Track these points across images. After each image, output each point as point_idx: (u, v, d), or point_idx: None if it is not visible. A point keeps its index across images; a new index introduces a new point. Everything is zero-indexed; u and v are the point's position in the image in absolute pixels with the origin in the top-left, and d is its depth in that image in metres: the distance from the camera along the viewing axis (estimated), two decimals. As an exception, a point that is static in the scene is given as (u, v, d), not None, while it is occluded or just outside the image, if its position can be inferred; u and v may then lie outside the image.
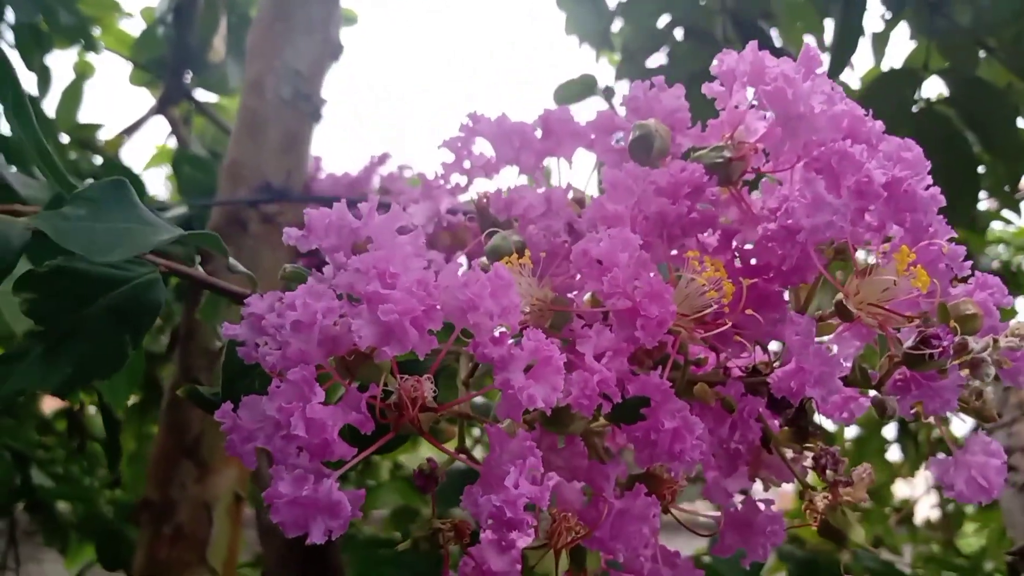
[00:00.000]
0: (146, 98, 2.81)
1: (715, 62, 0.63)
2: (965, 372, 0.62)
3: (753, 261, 0.60)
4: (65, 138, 2.79)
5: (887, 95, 2.19)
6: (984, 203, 2.91)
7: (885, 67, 2.52)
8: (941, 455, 0.68)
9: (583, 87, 2.46)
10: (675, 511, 0.64)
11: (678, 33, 2.37)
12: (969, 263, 0.61)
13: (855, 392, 0.74)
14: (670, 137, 0.63)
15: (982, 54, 2.26)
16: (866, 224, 0.61)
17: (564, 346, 0.56)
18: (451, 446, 0.59)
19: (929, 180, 0.59)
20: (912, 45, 2.38)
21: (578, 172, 0.76)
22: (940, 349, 0.54)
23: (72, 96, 2.88)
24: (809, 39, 2.53)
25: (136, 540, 2.11)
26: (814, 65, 0.59)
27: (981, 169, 2.57)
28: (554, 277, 0.61)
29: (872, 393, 0.68)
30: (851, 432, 4.24)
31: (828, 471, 0.66)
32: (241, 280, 0.76)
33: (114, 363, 0.68)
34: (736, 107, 0.63)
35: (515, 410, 0.49)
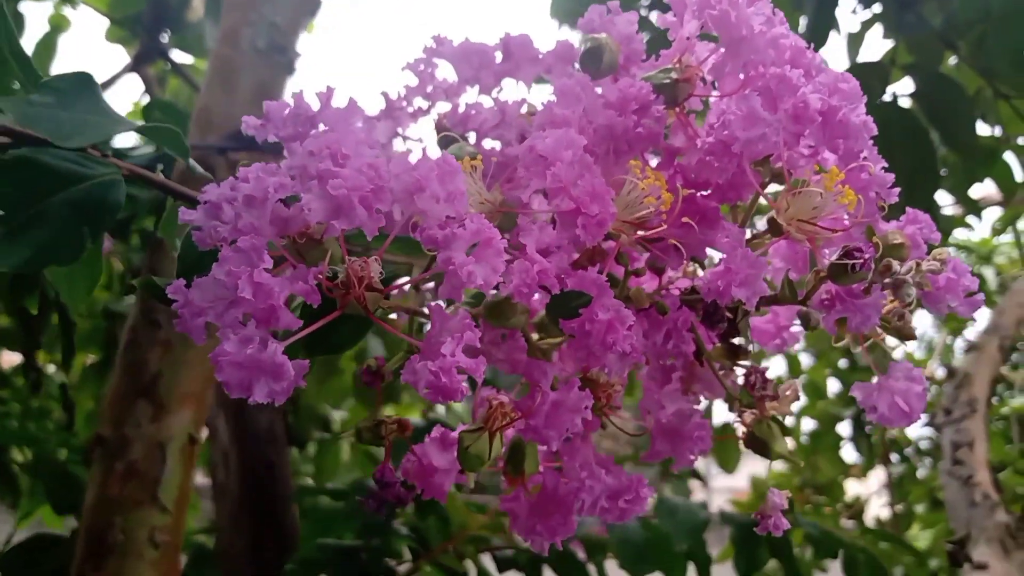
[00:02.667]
0: (122, 56, 2.79)
1: (668, -9, 0.66)
2: (890, 296, 0.65)
3: (693, 176, 0.63)
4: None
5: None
6: (949, 209, 3.00)
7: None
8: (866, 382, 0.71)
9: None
10: (612, 419, 0.67)
11: (654, 17, 2.40)
12: (897, 190, 0.65)
13: (788, 320, 0.78)
14: (619, 52, 0.66)
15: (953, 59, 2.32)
16: (801, 150, 0.64)
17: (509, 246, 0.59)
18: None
19: (863, 111, 0.63)
20: (887, 45, 2.43)
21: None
22: (861, 261, 0.58)
23: (46, 49, 2.84)
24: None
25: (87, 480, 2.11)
26: (759, -6, 0.63)
27: (944, 171, 2.64)
28: (505, 185, 0.64)
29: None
30: (808, 426, 4.34)
31: (757, 388, 0.70)
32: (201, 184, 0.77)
33: (72, 252, 0.69)
34: (687, 38, 0.66)
35: (456, 289, 0.52)
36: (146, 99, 2.73)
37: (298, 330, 0.53)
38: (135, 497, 1.62)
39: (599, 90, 0.63)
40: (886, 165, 0.64)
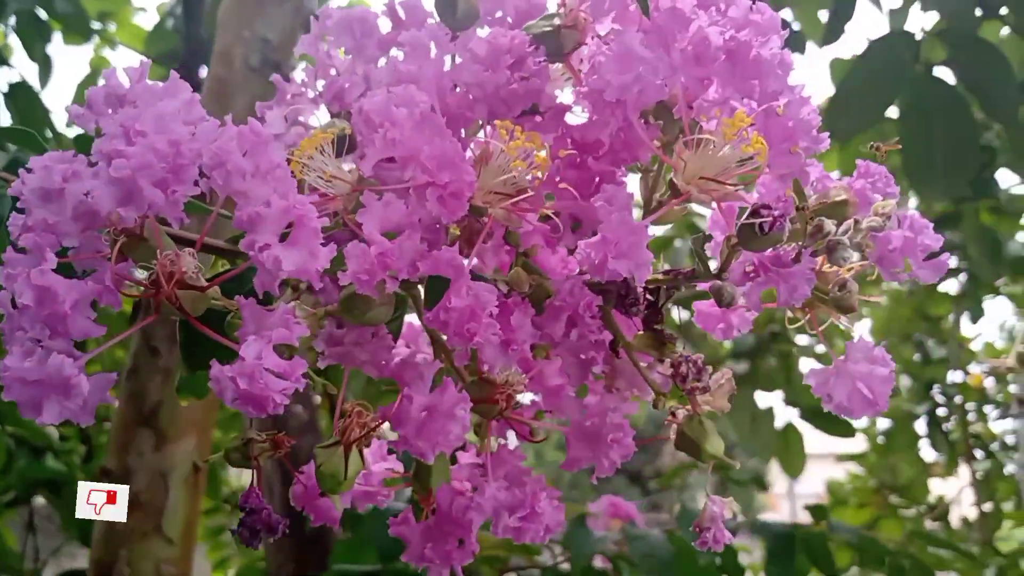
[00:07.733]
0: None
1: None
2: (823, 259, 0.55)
3: (580, 137, 0.54)
4: (77, 130, 2.83)
5: (883, 58, 2.10)
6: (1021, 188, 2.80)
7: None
8: (819, 366, 0.61)
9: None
10: (514, 417, 0.58)
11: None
12: (826, 136, 0.54)
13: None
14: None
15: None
16: (714, 96, 0.54)
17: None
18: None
19: (778, 43, 0.53)
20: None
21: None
22: (770, 220, 0.48)
23: (87, 89, 2.94)
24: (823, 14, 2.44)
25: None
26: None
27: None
28: (359, 160, 0.56)
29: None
30: (883, 424, 4.12)
31: (689, 380, 0.60)
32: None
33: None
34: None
35: (268, 278, 0.44)
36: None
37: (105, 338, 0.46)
38: (140, 528, 1.59)
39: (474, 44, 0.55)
40: (814, 108, 0.54)
